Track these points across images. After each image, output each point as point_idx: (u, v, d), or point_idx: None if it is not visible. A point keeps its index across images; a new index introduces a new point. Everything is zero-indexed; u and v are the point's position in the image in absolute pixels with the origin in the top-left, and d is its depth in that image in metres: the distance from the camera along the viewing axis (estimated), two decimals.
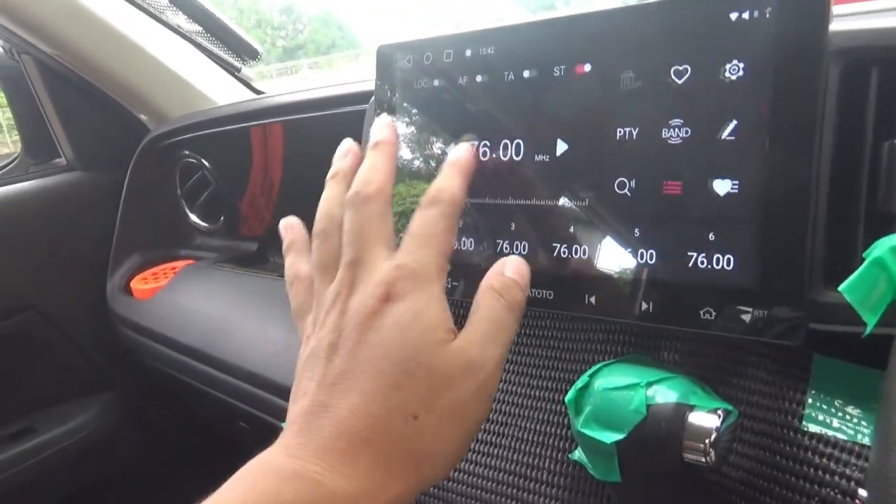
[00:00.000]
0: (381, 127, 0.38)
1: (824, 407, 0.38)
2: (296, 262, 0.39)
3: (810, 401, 0.38)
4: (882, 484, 0.17)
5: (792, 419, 0.38)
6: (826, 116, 0.36)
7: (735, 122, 0.35)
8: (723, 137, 0.35)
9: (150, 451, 1.14)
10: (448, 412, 0.30)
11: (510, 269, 0.34)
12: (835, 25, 0.37)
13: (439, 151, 0.46)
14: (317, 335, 0.33)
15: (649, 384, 0.37)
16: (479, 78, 0.44)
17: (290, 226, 0.42)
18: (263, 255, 0.99)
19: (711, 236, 0.36)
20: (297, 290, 0.38)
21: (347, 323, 0.31)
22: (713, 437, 0.34)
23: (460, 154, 0.36)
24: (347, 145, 0.40)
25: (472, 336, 0.32)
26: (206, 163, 0.95)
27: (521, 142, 0.42)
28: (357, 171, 0.36)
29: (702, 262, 0.36)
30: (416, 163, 0.47)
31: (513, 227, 0.42)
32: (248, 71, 1.07)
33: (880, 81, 0.36)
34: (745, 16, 0.34)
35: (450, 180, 0.35)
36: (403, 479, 0.29)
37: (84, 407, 1.03)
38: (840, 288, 0.30)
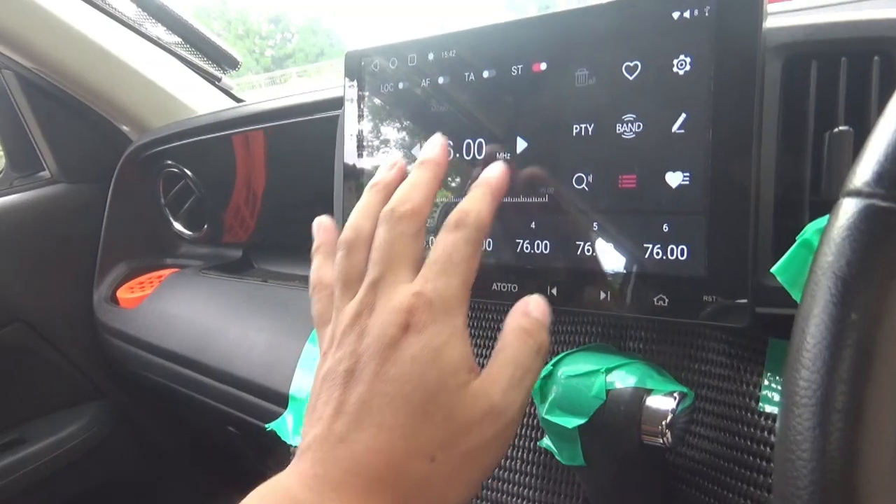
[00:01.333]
0: (433, 146, 0.37)
1: (779, 387, 0.39)
2: (322, 267, 0.38)
3: (766, 382, 0.40)
4: (784, 443, 0.19)
5: (749, 401, 0.40)
6: (770, 109, 0.37)
7: (685, 115, 0.36)
8: (674, 131, 0.37)
9: (141, 458, 1.15)
10: (465, 457, 0.29)
11: (537, 310, 0.33)
12: (776, 21, 0.39)
13: (408, 151, 0.47)
14: (333, 355, 0.31)
15: (609, 370, 0.38)
16: (441, 80, 0.45)
17: (322, 227, 0.40)
18: (248, 262, 1.00)
19: (665, 227, 0.37)
20: (318, 296, 0.37)
21: (366, 349, 0.30)
22: (669, 418, 0.36)
23: (493, 174, 0.35)
24: (395, 159, 0.39)
25: (497, 378, 0.30)
26: (188, 172, 0.96)
27: (482, 140, 0.43)
28: (398, 186, 0.35)
29: (657, 253, 0.37)
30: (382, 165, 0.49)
31: None
32: (229, 80, 1.08)
33: (820, 74, 0.37)
34: (687, 14, 0.36)
35: (478, 202, 0.33)
36: None
37: (74, 416, 1.03)
38: (772, 270, 0.31)
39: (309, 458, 0.29)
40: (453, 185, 0.45)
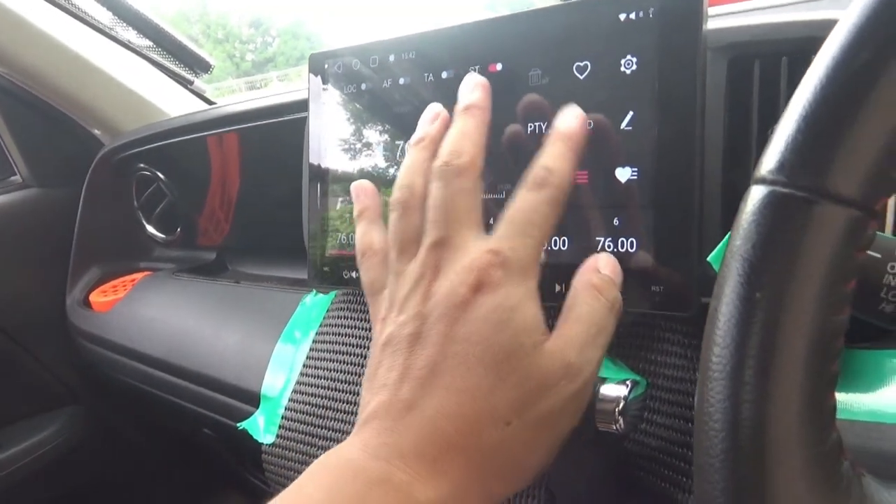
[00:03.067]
0: (473, 87, 0.35)
1: None
2: (368, 232, 0.36)
3: None
4: (700, 415, 0.20)
5: None
6: (716, 106, 0.39)
7: (632, 113, 0.38)
8: (622, 128, 0.38)
9: (118, 461, 1.14)
10: (541, 420, 0.28)
11: (607, 267, 0.32)
12: (722, 22, 0.40)
13: (373, 151, 0.48)
14: (395, 320, 0.30)
15: None
16: (402, 80, 0.46)
17: (363, 189, 0.38)
18: (222, 264, 1.00)
19: (616, 221, 0.39)
20: (370, 263, 0.35)
21: (432, 310, 0.28)
22: (621, 405, 0.37)
23: (571, 125, 0.33)
24: (436, 109, 0.37)
25: (571, 337, 0.29)
26: (161, 175, 0.96)
27: None
28: (445, 139, 0.33)
29: (608, 246, 0.39)
30: (360, 163, 0.49)
31: None
32: (202, 84, 1.09)
33: (762, 73, 0.39)
34: (633, 16, 0.37)
35: (560, 160, 0.31)
36: (491, 489, 0.27)
37: (49, 421, 1.03)
38: (708, 258, 0.33)
39: (375, 427, 0.27)
40: None
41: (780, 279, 0.18)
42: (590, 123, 0.39)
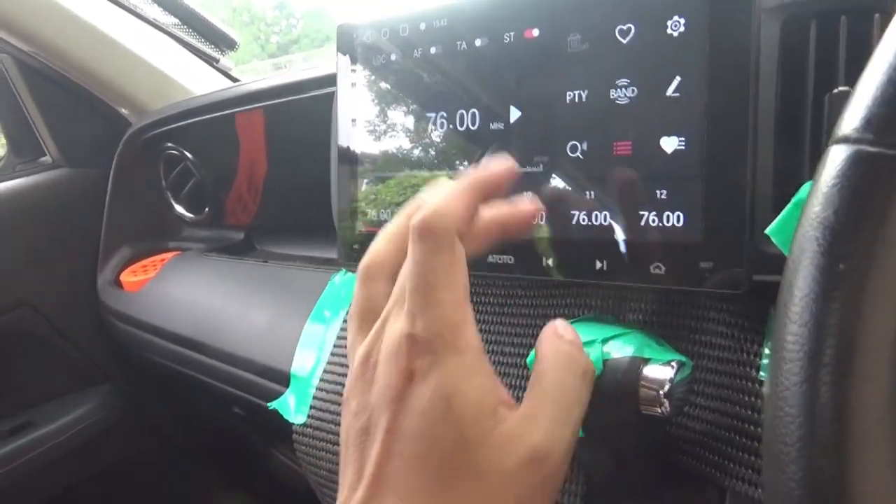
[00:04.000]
0: (493, 166, 0.30)
1: None
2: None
3: (767, 351, 0.39)
4: (773, 400, 0.18)
5: (750, 370, 0.39)
6: (768, 70, 0.36)
7: (679, 78, 0.36)
8: (668, 94, 0.36)
9: (149, 440, 1.16)
10: None
11: (568, 332, 0.30)
12: None
13: (403, 126, 0.47)
14: (348, 406, 0.28)
15: (605, 340, 0.38)
16: (433, 49, 0.44)
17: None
18: (250, 243, 1.00)
19: (661, 194, 0.37)
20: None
21: (376, 403, 0.26)
22: (666, 388, 0.35)
23: (481, 169, 0.29)
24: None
25: (535, 417, 0.26)
26: (188, 154, 0.96)
27: (476, 111, 0.43)
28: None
29: (653, 221, 0.37)
30: (389, 142, 0.48)
31: None
32: (227, 61, 1.08)
33: (819, 34, 0.36)
34: None
35: (446, 198, 0.27)
36: None
37: (81, 400, 1.04)
38: (767, 231, 0.31)
39: None
40: (446, 162, 0.44)
41: (868, 247, 0.17)
42: (633, 91, 0.37)
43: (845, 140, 0.17)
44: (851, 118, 0.18)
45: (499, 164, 0.30)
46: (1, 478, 0.92)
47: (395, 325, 0.27)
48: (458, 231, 0.27)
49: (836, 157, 0.18)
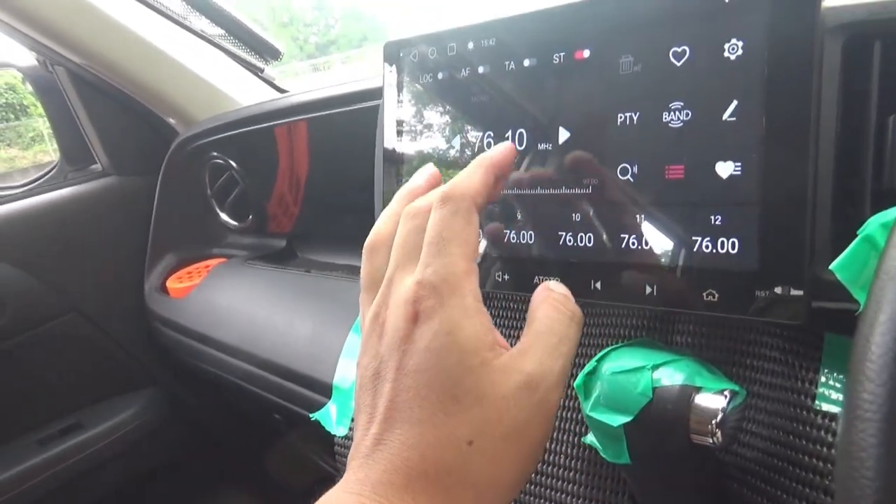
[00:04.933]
0: (498, 147, 0.36)
1: (837, 385, 0.37)
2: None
3: (823, 379, 0.38)
4: (847, 459, 0.18)
5: (805, 398, 0.38)
6: (828, 93, 0.35)
7: (736, 102, 0.35)
8: (724, 118, 0.35)
9: (193, 443, 1.18)
10: (505, 435, 0.28)
11: (559, 287, 0.33)
12: (836, 0, 0.36)
13: (448, 143, 0.47)
14: (361, 362, 0.31)
15: (656, 367, 0.37)
16: (481, 69, 0.44)
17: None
18: (292, 252, 1.01)
19: (716, 220, 0.36)
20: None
21: (386, 349, 0.30)
22: (719, 417, 0.35)
23: (490, 151, 0.35)
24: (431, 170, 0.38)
25: (529, 349, 0.30)
26: (233, 163, 0.97)
27: (523, 131, 0.42)
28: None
29: (706, 247, 0.36)
30: (433, 156, 0.48)
31: (518, 217, 0.43)
32: (271, 70, 1.09)
33: (884, 55, 0.35)
34: None
35: (466, 176, 0.33)
36: None
37: (128, 403, 1.07)
38: (831, 267, 0.30)
39: (352, 466, 0.29)
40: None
41: None
42: (687, 114, 0.36)
43: None
44: None
45: (502, 146, 0.35)
46: (52, 478, 0.95)
47: (403, 279, 0.30)
48: (474, 202, 0.32)
49: None
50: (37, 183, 1.05)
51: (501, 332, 0.51)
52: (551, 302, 0.32)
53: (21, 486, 0.92)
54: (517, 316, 0.54)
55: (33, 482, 0.93)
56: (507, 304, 0.56)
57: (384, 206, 0.52)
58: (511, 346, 0.30)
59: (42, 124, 1.35)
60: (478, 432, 0.28)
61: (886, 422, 0.16)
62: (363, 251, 0.35)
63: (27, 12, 0.88)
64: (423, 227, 0.32)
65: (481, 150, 0.45)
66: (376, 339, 0.31)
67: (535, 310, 0.32)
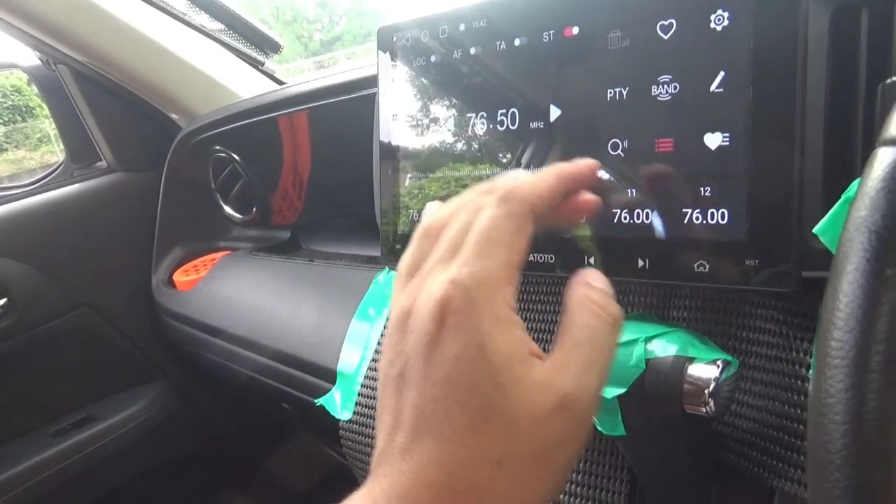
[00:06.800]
0: (580, 162, 0.32)
1: None
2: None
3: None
4: (817, 406, 0.18)
5: (800, 368, 0.39)
6: (817, 62, 0.35)
7: (723, 73, 0.35)
8: (712, 90, 0.35)
9: (204, 434, 1.20)
10: (538, 457, 0.26)
11: (599, 281, 0.31)
12: None
13: (443, 124, 0.47)
14: (385, 357, 0.29)
15: (649, 339, 0.38)
16: (472, 50, 0.44)
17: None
18: (296, 243, 1.02)
19: (705, 191, 0.36)
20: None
21: (411, 349, 0.28)
22: (712, 387, 0.35)
23: (571, 162, 0.32)
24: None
25: (566, 363, 0.27)
26: (235, 156, 0.98)
27: (515, 111, 0.43)
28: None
29: (696, 218, 0.36)
30: (430, 139, 0.48)
31: None
32: (272, 64, 1.10)
33: (871, 23, 0.35)
34: None
35: (535, 180, 0.30)
36: None
37: (139, 395, 1.08)
38: (815, 230, 0.30)
39: (377, 474, 0.27)
40: (488, 156, 0.44)
41: None
42: (675, 87, 0.37)
43: (893, 142, 0.17)
44: None
45: (585, 162, 0.32)
46: (66, 469, 0.97)
47: (438, 275, 0.28)
48: (534, 209, 0.29)
49: (883, 159, 0.17)
50: (43, 181, 1.07)
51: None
52: (590, 306, 0.29)
53: (36, 477, 0.94)
54: (532, 299, 0.53)
55: (48, 473, 0.95)
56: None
57: (382, 193, 0.52)
58: (542, 349, 0.29)
59: (49, 125, 1.36)
60: (507, 453, 0.26)
61: (854, 367, 0.17)
62: (414, 234, 0.32)
63: (28, 11, 0.89)
64: (466, 223, 0.29)
65: (474, 129, 0.45)
66: (400, 336, 0.28)
67: (574, 313, 0.29)
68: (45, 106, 1.11)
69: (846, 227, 0.18)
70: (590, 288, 0.30)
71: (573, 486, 0.46)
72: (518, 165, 0.43)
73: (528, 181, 0.30)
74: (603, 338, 0.29)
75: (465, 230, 0.29)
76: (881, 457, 0.16)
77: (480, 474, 0.26)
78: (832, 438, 0.17)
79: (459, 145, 0.46)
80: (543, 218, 0.30)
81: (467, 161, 0.46)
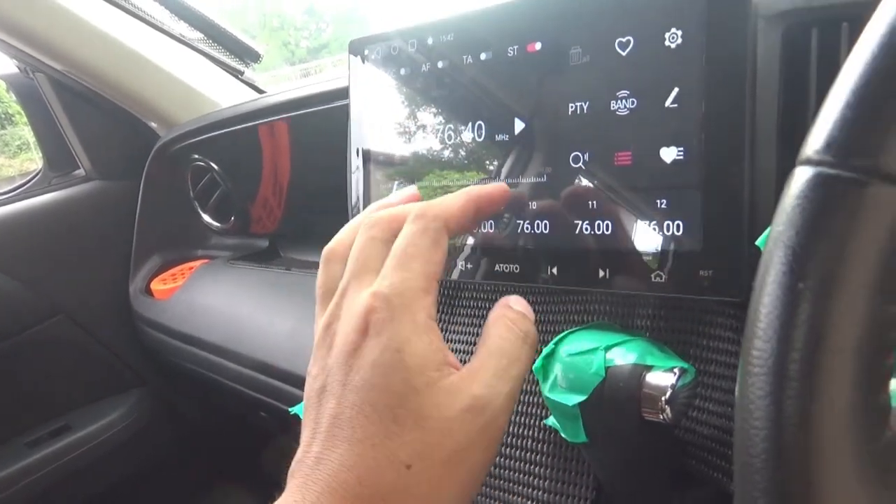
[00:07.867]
0: (490, 185, 0.35)
1: None
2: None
3: None
4: (740, 412, 0.19)
5: None
6: (770, 79, 0.37)
7: (677, 89, 0.36)
8: (667, 105, 0.36)
9: (183, 442, 1.19)
10: (446, 459, 0.27)
11: (518, 304, 0.33)
12: None
13: (412, 137, 0.48)
14: (309, 374, 0.30)
15: (609, 347, 0.38)
16: (440, 64, 0.45)
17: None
18: (275, 251, 1.02)
19: (661, 203, 0.37)
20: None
21: (333, 361, 0.28)
22: (668, 394, 0.36)
23: (482, 185, 0.34)
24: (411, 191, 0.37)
25: (479, 370, 0.29)
26: (214, 165, 0.98)
27: (482, 123, 0.44)
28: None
29: (654, 229, 0.37)
30: (398, 149, 0.49)
31: None
32: (252, 73, 1.10)
33: (821, 41, 0.36)
34: None
35: (446, 200, 0.32)
36: None
37: (117, 404, 1.08)
38: (757, 242, 0.31)
39: (290, 485, 0.28)
40: (455, 167, 0.45)
41: (827, 267, 0.17)
42: (633, 102, 0.38)
43: (808, 162, 0.18)
44: (814, 140, 0.18)
45: (496, 185, 0.34)
46: (43, 478, 0.96)
47: (358, 291, 0.29)
48: (447, 224, 0.31)
49: (799, 178, 0.18)
50: (21, 189, 1.06)
51: (468, 340, 0.52)
52: (505, 321, 0.31)
53: (11, 488, 0.93)
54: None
55: (23, 483, 0.94)
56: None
57: (354, 206, 0.53)
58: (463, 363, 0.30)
59: (28, 133, 1.35)
60: (417, 455, 0.27)
61: (773, 374, 0.18)
62: (321, 260, 0.34)
63: (5, 19, 0.89)
64: (381, 238, 0.31)
65: (443, 142, 0.46)
66: (325, 351, 0.29)
67: (489, 328, 0.31)
68: (23, 113, 1.11)
69: (767, 242, 0.19)
70: (508, 308, 0.32)
71: (539, 493, 0.47)
72: (482, 177, 0.44)
73: (440, 200, 0.32)
74: (514, 349, 0.30)
75: (369, 246, 0.31)
76: (799, 460, 0.17)
77: (390, 478, 0.26)
78: (753, 443, 0.18)
79: (428, 156, 0.47)
80: (456, 235, 0.32)
81: (435, 171, 0.47)
